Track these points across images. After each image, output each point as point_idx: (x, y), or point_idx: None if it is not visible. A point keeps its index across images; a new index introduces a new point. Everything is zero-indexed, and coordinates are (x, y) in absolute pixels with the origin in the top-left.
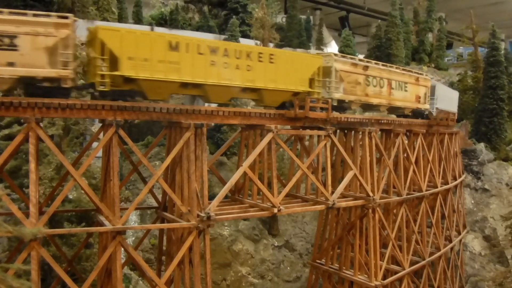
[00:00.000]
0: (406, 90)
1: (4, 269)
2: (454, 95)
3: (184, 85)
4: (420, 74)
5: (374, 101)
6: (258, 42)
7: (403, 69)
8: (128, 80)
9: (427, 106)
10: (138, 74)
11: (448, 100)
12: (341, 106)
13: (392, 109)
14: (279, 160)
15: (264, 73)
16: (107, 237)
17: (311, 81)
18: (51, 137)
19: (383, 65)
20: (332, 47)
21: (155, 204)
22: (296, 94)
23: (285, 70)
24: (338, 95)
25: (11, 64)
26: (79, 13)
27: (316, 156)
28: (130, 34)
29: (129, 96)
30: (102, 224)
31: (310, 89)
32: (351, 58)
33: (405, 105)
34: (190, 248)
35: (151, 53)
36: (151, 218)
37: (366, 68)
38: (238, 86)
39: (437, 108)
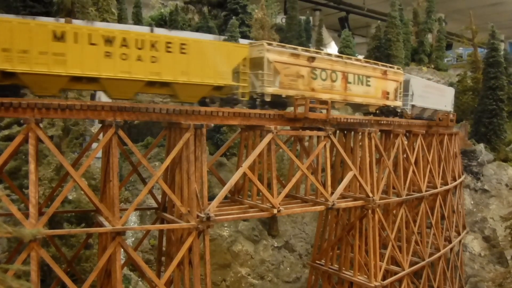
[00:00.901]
0: (368, 85)
1: (3, 270)
2: (446, 92)
3: (77, 79)
4: (391, 67)
5: (323, 96)
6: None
7: (366, 61)
8: (7, 74)
9: (398, 103)
10: (14, 67)
11: (434, 97)
12: (278, 101)
13: (354, 107)
14: (279, 160)
15: (173, 65)
16: (106, 238)
17: (237, 74)
18: (51, 137)
19: (337, 56)
20: (332, 48)
21: (154, 204)
22: (218, 88)
23: (200, 62)
24: (271, 89)
25: None
26: (78, 14)
27: (316, 156)
28: (5, 24)
29: (12, 92)
30: (101, 225)
31: (234, 83)
32: (292, 48)
33: (368, 102)
34: (190, 249)
35: (31, 44)
36: (150, 219)
37: (311, 59)
38: (141, 80)
39: (413, 106)
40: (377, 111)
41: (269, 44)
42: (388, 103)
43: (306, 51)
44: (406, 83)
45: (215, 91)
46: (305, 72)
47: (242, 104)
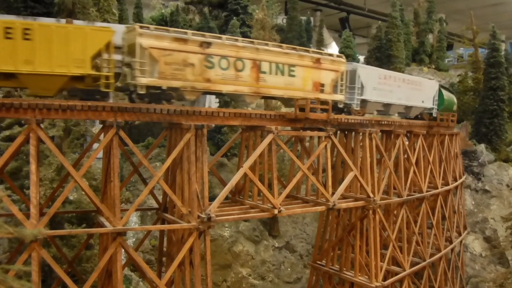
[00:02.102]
0: (292, 75)
1: (4, 270)
2: (425, 86)
3: None
4: (327, 54)
5: (224, 88)
6: None
7: (290, 47)
8: None
9: (338, 96)
10: None
11: (402, 91)
12: (159, 94)
13: (284, 101)
14: (280, 161)
15: (14, 53)
16: (107, 238)
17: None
18: (52, 138)
19: (244, 41)
20: (333, 48)
21: (155, 205)
22: (78, 78)
23: (48, 48)
24: (146, 80)
25: None
26: (79, 14)
27: (317, 157)
28: None
29: None
30: (102, 225)
31: (94, 72)
32: (178, 32)
33: (291, 95)
34: (191, 249)
35: None
36: (151, 219)
37: (206, 45)
38: None
39: (364, 100)
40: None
41: (144, 28)
42: (323, 96)
43: (199, 35)
44: (352, 74)
45: (76, 82)
46: (196, 60)
47: (118, 98)
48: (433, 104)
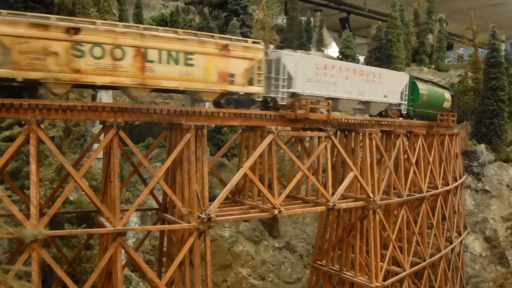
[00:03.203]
0: (190, 64)
1: (5, 271)
2: (388, 78)
3: None
4: (239, 40)
5: (98, 79)
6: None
7: (188, 32)
8: None
9: (255, 89)
10: None
11: (354, 84)
12: (19, 88)
13: (191, 94)
14: (280, 161)
15: None
16: (107, 239)
17: None
18: (52, 138)
19: (126, 26)
20: (333, 48)
21: (155, 205)
22: None
23: None
24: None
25: None
26: (79, 14)
27: (317, 157)
28: None
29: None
30: (102, 226)
31: None
32: (36, 17)
33: (187, 86)
34: (191, 250)
35: None
36: (151, 220)
37: (74, 31)
38: None
39: (295, 94)
40: (222, 100)
41: None
42: (233, 88)
43: (65, 20)
44: (277, 63)
45: None
46: (60, 48)
47: None
48: (401, 99)
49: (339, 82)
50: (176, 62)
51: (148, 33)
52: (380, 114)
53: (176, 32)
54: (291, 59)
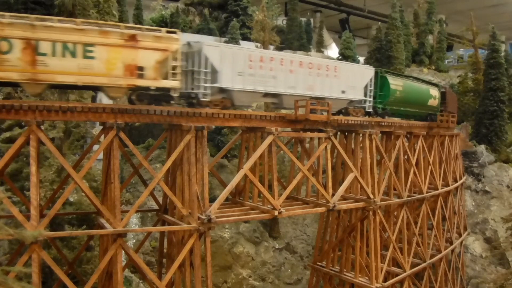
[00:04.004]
0: (89, 57)
1: (5, 272)
2: (345, 72)
3: None
4: (155, 30)
5: None
6: (259, 44)
7: (87, 22)
8: None
9: (170, 83)
10: None
11: (300, 77)
12: None
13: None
14: (280, 162)
15: None
16: (108, 240)
17: None
18: (52, 140)
19: (13, 16)
20: (333, 49)
21: (155, 206)
22: None
23: None
24: None
25: None
26: (80, 16)
27: (317, 158)
28: None
29: None
30: (103, 227)
31: None
32: None
33: (87, 81)
34: (191, 251)
35: None
36: (151, 221)
37: None
38: None
39: (223, 89)
40: (134, 96)
41: None
42: (143, 83)
43: None
44: (198, 55)
45: None
46: None
47: None
48: (365, 96)
49: (281, 76)
50: (73, 54)
51: (40, 23)
52: (339, 112)
53: (74, 22)
54: (215, 50)
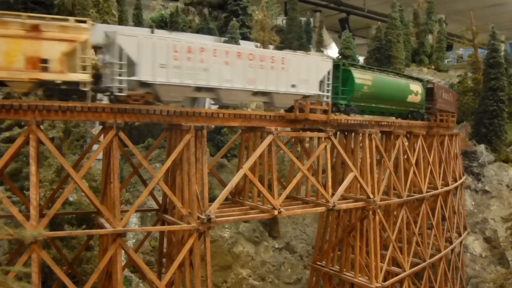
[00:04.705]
0: None
1: (4, 272)
2: (297, 65)
3: None
4: (62, 19)
5: None
6: (258, 44)
7: None
8: None
9: (79, 76)
10: None
11: (241, 71)
12: None
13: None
14: (280, 162)
15: None
16: (107, 240)
17: None
18: (52, 139)
19: None
20: (332, 49)
21: (155, 206)
22: None
23: None
24: None
25: None
26: (79, 15)
27: (317, 158)
28: None
29: None
30: (102, 227)
31: None
32: None
33: None
34: (191, 251)
35: None
36: (151, 220)
37: None
38: None
39: (144, 83)
40: (46, 92)
41: None
42: (47, 76)
43: None
44: (111, 45)
45: None
46: None
47: None
48: (321, 90)
49: (214, 69)
50: None
51: None
52: (292, 109)
53: None
54: (131, 40)
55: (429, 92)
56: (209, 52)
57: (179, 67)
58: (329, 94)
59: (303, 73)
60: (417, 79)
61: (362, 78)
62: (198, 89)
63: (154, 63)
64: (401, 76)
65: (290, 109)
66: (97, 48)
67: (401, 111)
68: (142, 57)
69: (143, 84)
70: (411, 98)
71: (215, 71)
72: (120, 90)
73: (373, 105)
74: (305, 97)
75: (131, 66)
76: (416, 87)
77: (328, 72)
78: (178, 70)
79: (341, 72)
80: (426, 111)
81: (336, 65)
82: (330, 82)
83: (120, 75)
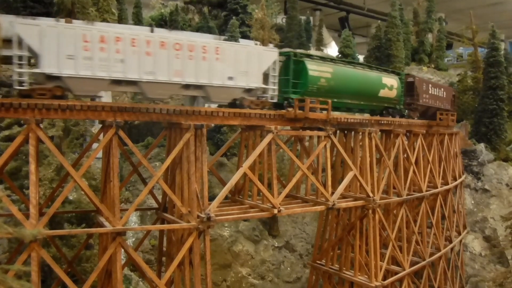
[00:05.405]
0: None
1: (4, 271)
2: (234, 55)
3: None
4: None
5: None
6: (258, 43)
7: None
8: None
9: None
10: None
11: (165, 61)
12: None
13: None
14: (279, 161)
15: None
16: (107, 238)
17: None
18: (51, 138)
19: None
20: (332, 48)
21: (155, 205)
22: None
23: None
24: None
25: None
26: (79, 14)
27: (316, 156)
28: None
29: None
30: (102, 225)
31: None
32: None
33: None
34: (190, 249)
35: None
36: (151, 219)
37: None
38: None
39: (46, 75)
40: None
41: None
42: None
43: None
44: (14, 36)
45: None
46: None
47: None
48: (264, 83)
49: (133, 60)
50: None
51: None
52: (233, 104)
53: None
54: (32, 29)
55: (410, 87)
56: (127, 42)
57: (91, 58)
58: (276, 87)
59: (242, 64)
60: (393, 72)
61: (319, 70)
62: (118, 82)
63: (59, 54)
64: (372, 68)
65: (232, 104)
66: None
67: (372, 107)
68: (45, 47)
69: (50, 77)
70: (384, 92)
71: (134, 62)
72: (21, 83)
73: (335, 100)
74: (247, 91)
75: (35, 57)
76: (391, 80)
77: (274, 63)
78: (89, 62)
79: (292, 63)
80: (407, 107)
81: (287, 56)
82: (276, 74)
83: (20, 67)
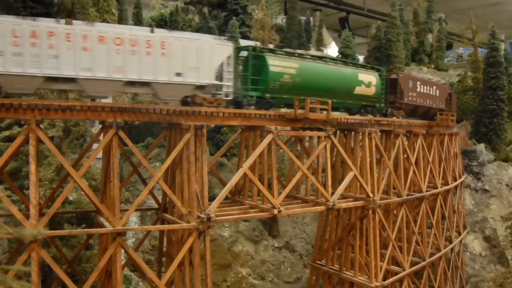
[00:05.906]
0: None
1: (4, 271)
2: (181, 49)
3: None
4: None
5: None
6: (258, 43)
7: None
8: None
9: None
10: None
11: (104, 56)
12: None
13: None
14: (279, 161)
15: None
16: (107, 239)
17: None
18: (51, 138)
19: None
20: (332, 48)
21: (155, 205)
22: None
23: None
24: None
25: None
26: (79, 14)
27: (316, 157)
28: None
29: None
30: (102, 226)
31: None
32: None
33: None
34: (190, 249)
35: None
36: (151, 220)
37: None
38: None
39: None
40: None
41: None
42: None
43: None
44: None
45: None
46: None
47: None
48: (218, 79)
49: (68, 55)
50: None
51: None
52: (185, 102)
53: None
54: None
55: (393, 84)
56: (61, 37)
57: (21, 54)
58: (230, 84)
59: (192, 59)
60: (372, 68)
61: (281, 66)
62: (53, 79)
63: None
64: (347, 64)
65: (184, 102)
66: None
67: (347, 105)
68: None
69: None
70: (360, 90)
71: (69, 58)
72: None
73: (303, 98)
74: (198, 87)
75: None
76: (369, 77)
77: (228, 57)
78: (20, 58)
79: (250, 58)
80: (390, 106)
81: (246, 51)
82: (231, 70)
83: None
